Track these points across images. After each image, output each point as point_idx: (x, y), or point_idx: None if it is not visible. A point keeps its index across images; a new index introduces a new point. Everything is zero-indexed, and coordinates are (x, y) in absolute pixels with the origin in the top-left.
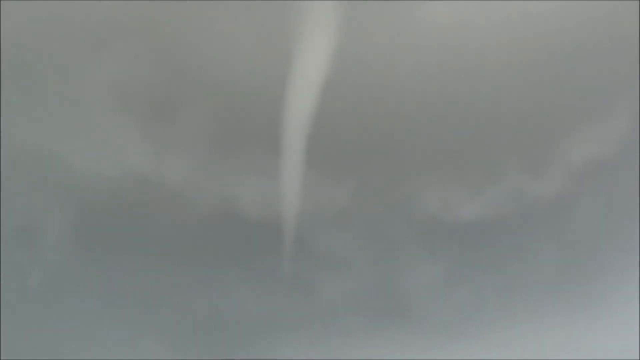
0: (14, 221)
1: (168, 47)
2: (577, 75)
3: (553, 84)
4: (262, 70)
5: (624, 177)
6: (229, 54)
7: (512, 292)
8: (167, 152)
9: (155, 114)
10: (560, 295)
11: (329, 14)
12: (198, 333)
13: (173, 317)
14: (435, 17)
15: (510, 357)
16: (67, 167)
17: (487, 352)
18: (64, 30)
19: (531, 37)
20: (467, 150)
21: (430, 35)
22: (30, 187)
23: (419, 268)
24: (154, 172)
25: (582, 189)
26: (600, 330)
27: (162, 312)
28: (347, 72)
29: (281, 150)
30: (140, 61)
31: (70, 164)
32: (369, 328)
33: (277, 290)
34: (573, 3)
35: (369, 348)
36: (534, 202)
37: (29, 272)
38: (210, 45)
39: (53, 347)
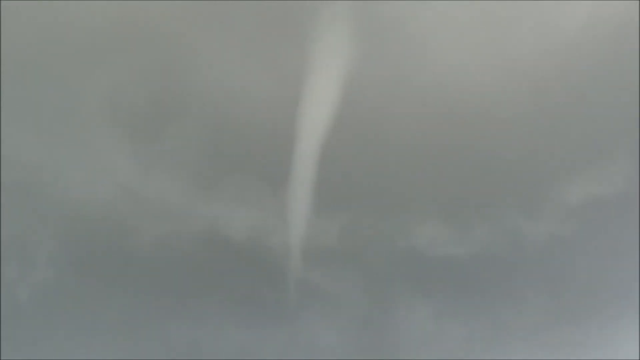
0: (5, 235)
1: (167, 66)
2: (577, 117)
3: (553, 125)
4: (263, 99)
5: (621, 219)
6: (229, 78)
7: (503, 332)
8: (158, 172)
9: (148, 133)
10: (552, 337)
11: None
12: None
13: (153, 340)
14: (435, 61)
15: None
16: (58, 182)
17: None
18: (61, 45)
19: (531, 78)
20: (463, 189)
21: (428, 81)
22: (22, 201)
23: (409, 307)
24: (144, 190)
25: (577, 230)
26: None
27: (143, 334)
28: (349, 109)
29: (285, 183)
30: (135, 79)
31: (62, 178)
32: None
33: (261, 322)
34: (572, 45)
35: None
36: (528, 242)
37: (19, 285)
38: (209, 66)
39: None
